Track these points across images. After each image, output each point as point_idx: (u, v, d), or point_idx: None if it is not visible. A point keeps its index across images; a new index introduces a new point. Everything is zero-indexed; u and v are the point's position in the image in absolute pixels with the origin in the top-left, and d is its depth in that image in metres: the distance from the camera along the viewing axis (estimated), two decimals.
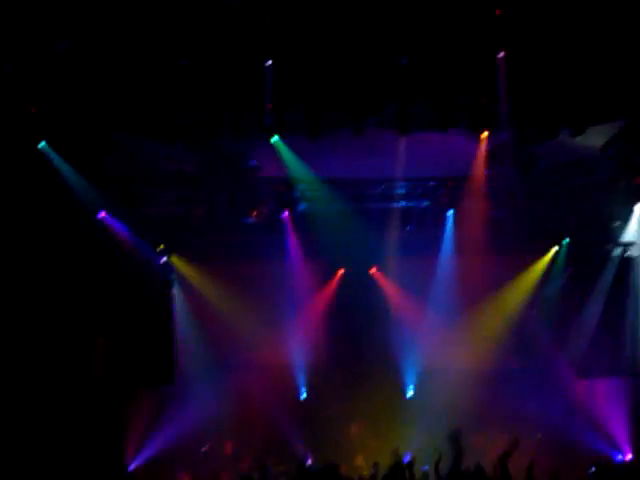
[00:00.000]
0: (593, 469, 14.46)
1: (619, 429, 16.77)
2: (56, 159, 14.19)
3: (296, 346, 18.14)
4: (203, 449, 17.81)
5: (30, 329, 14.58)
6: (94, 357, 16.08)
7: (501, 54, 12.75)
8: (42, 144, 13.94)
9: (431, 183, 17.21)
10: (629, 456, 16.66)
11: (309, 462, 15.93)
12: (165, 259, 17.44)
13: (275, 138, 14.50)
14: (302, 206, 17.30)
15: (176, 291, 17.56)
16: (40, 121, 13.49)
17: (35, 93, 13.14)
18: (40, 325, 14.73)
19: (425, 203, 17.43)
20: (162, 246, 17.31)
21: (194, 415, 17.17)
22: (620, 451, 16.70)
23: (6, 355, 14.32)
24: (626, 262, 16.56)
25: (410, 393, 18.38)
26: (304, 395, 18.65)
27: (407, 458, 13.15)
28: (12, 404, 14.31)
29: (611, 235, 16.71)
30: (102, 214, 15.82)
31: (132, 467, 16.67)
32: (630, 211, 16.46)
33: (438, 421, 16.44)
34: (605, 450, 16.72)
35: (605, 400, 17.07)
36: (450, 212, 17.42)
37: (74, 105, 13.34)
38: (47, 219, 14.61)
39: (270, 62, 13.00)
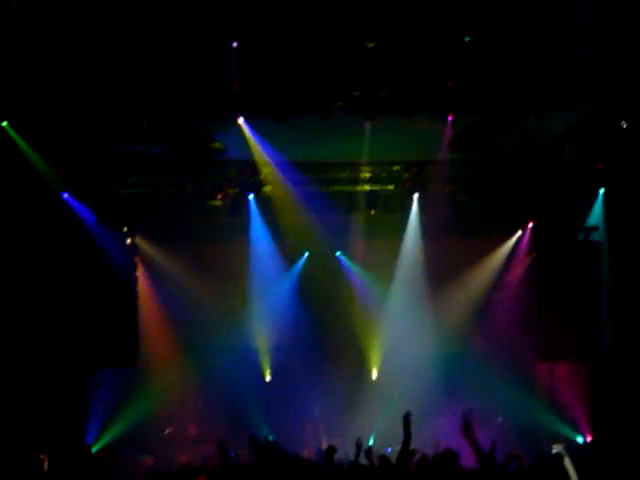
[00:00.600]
0: (555, 449, 14.62)
1: (579, 411, 16.92)
2: (18, 139, 14.05)
3: (261, 328, 18.16)
4: (166, 432, 17.80)
5: None
6: (55, 338, 15.99)
7: (467, 38, 12.75)
8: (4, 123, 13.80)
9: (396, 167, 17.25)
10: (589, 438, 16.83)
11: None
12: (129, 240, 17.34)
13: (241, 120, 14.45)
14: (268, 189, 17.28)
15: (140, 273, 17.47)
16: (1, 100, 13.33)
17: None
18: (1, 305, 14.63)
19: (390, 187, 17.46)
20: (126, 227, 17.21)
21: (157, 397, 17.14)
22: (580, 433, 16.87)
23: None
24: (590, 247, 16.68)
25: (374, 375, 18.46)
26: (269, 377, 18.68)
27: (369, 442, 13.23)
28: None
29: (575, 220, 16.81)
30: (66, 195, 15.70)
31: (95, 449, 16.62)
32: (594, 195, 16.57)
33: (402, 404, 16.53)
34: (566, 432, 16.88)
35: (566, 383, 17.22)
36: (415, 196, 17.46)
37: (37, 84, 13.19)
38: (9, 200, 14.48)
39: (236, 44, 12.92)
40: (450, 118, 14.57)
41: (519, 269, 17.79)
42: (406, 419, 9.58)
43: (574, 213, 16.82)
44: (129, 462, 16.05)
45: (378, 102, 13.62)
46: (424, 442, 15.01)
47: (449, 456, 9.53)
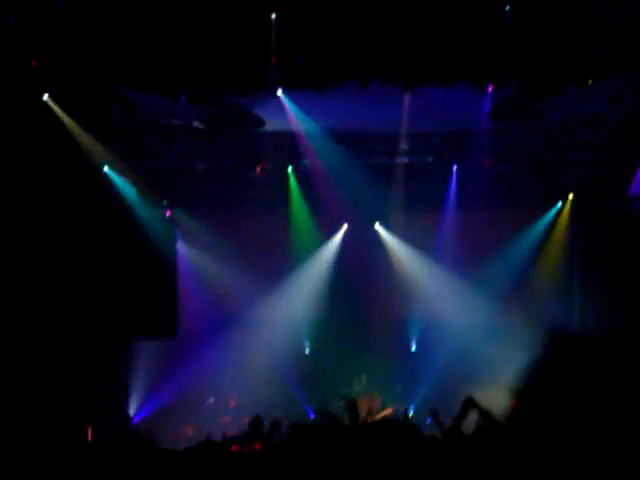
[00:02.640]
0: None
1: None
2: (60, 113, 14.15)
3: (300, 301, 18.19)
4: (207, 403, 17.93)
5: (33, 282, 14.60)
6: (97, 310, 16.12)
7: (507, 7, 12.65)
8: (45, 97, 13.89)
9: (435, 138, 17.18)
10: None
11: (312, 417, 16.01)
12: (169, 213, 17.43)
13: (280, 92, 14.44)
14: (306, 161, 17.28)
15: (180, 245, 17.57)
16: (43, 74, 13.42)
17: (37, 45, 13.07)
18: (44, 278, 14.75)
19: (429, 158, 17.40)
20: (166, 200, 17.30)
21: (198, 370, 17.26)
22: None
23: (8, 308, 14.35)
24: (631, 218, 16.52)
25: (413, 347, 18.47)
26: (308, 350, 18.73)
27: (428, 420, 13.24)
28: (13, 358, 14.36)
29: (617, 190, 16.65)
30: (106, 168, 15.80)
31: (137, 419, 16.80)
32: (636, 166, 16.39)
33: (440, 376, 16.55)
34: None
35: None
36: (454, 167, 17.40)
37: (78, 58, 13.27)
38: (51, 174, 14.58)
39: (275, 15, 12.92)
40: (490, 88, 14.48)
41: (559, 241, 17.67)
42: (434, 416, 9.59)
43: (615, 184, 16.66)
44: (170, 432, 16.18)
45: (418, 72, 13.56)
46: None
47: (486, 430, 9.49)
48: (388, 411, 16.67)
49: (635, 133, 15.66)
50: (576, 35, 12.94)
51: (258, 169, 17.44)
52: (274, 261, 17.79)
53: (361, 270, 18.11)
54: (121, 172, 15.96)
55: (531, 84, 14.05)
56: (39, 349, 14.65)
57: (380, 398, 17.46)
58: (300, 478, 2.02)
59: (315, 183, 17.29)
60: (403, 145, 17.09)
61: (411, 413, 16.61)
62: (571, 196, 17.42)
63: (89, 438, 13.60)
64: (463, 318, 17.34)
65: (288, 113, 15.29)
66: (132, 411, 16.87)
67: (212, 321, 17.99)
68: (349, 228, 18.54)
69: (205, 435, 15.42)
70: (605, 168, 16.49)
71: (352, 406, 10.64)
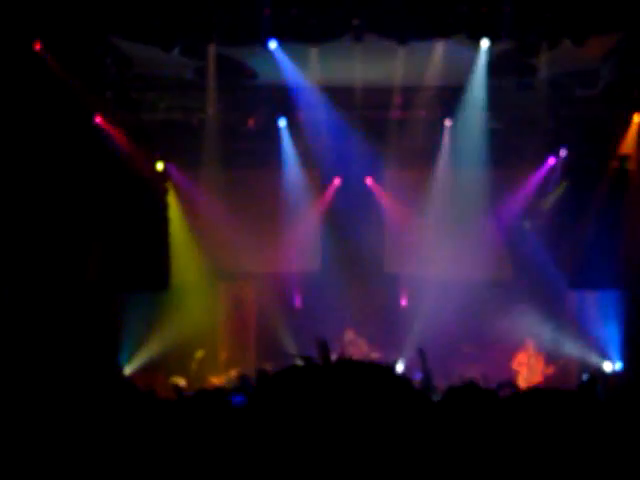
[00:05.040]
0: (586, 376, 14.67)
1: (609, 341, 16.95)
2: (51, 61, 14.04)
3: (291, 254, 18.22)
4: (198, 355, 18.01)
5: (24, 233, 14.57)
6: (89, 262, 16.13)
7: None
8: (38, 47, 13.78)
9: (428, 93, 17.09)
10: (618, 366, 16.88)
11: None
12: (161, 166, 17.38)
13: (273, 43, 14.34)
14: (299, 113, 17.21)
15: (171, 198, 17.54)
16: (36, 23, 13.31)
17: None
18: (35, 228, 14.72)
19: (422, 113, 17.32)
20: (158, 153, 17.24)
21: (188, 321, 17.29)
22: (611, 362, 16.90)
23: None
24: (623, 175, 16.55)
25: (403, 302, 18.54)
26: (298, 303, 18.80)
27: (417, 375, 13.31)
28: (4, 309, 14.37)
29: (609, 147, 16.66)
30: (99, 119, 15.72)
31: (128, 371, 16.87)
32: (628, 123, 16.41)
33: (431, 331, 16.65)
34: (596, 361, 16.92)
35: (596, 312, 17.23)
36: (447, 123, 17.35)
37: (71, 8, 13.15)
38: (44, 122, 14.49)
39: None
40: (484, 43, 14.42)
41: (551, 197, 17.71)
42: (421, 354, 9.63)
43: (608, 141, 16.66)
44: (161, 384, 16.25)
45: (412, 26, 13.48)
46: (452, 372, 15.20)
47: (471, 387, 9.55)
48: (375, 355, 16.76)
49: (629, 89, 15.64)
50: None
51: (250, 122, 17.37)
52: (265, 213, 17.79)
53: (352, 224, 18.10)
54: (113, 124, 15.88)
55: (526, 39, 13.99)
56: (30, 300, 14.66)
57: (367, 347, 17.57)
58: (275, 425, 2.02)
59: (307, 137, 17.23)
60: (396, 99, 17.00)
61: (401, 367, 16.72)
62: (563, 152, 17.40)
63: (83, 389, 13.64)
64: (454, 275, 17.39)
65: (281, 65, 15.20)
66: (123, 363, 16.92)
67: (203, 273, 18.02)
68: (340, 182, 18.53)
69: (197, 388, 15.55)
70: (598, 125, 16.49)
71: (322, 345, 10.67)
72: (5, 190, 14.17)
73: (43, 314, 14.83)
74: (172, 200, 17.51)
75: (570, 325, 17.39)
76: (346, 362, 2.17)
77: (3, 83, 13.52)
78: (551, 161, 17.62)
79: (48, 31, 13.56)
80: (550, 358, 17.21)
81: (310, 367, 2.13)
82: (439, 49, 14.83)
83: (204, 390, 6.63)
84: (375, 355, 16.75)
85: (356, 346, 17.26)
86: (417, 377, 14.09)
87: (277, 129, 17.49)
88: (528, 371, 17.01)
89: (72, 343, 15.09)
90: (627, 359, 16.68)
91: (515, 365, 17.16)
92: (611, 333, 16.85)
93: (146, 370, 16.90)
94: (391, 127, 17.35)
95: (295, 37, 13.85)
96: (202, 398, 5.90)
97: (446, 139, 17.49)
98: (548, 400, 2.52)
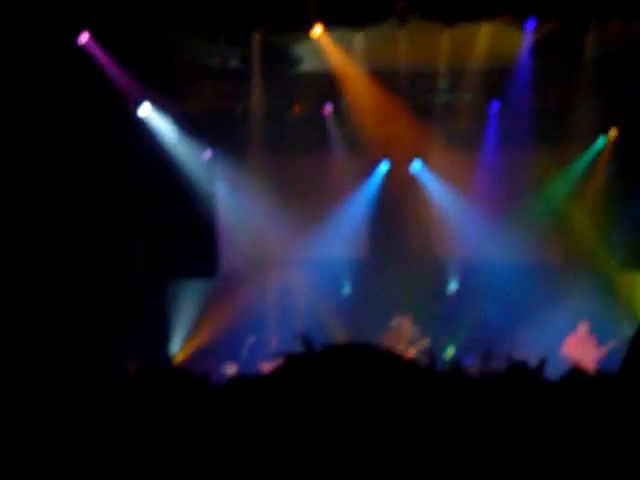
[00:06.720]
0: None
1: None
2: (98, 52, 14.15)
3: (339, 240, 18.19)
4: (248, 342, 18.07)
5: (74, 223, 14.71)
6: (139, 251, 16.26)
7: None
8: (85, 36, 13.90)
9: (474, 75, 16.97)
10: None
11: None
12: (208, 154, 17.44)
13: (317, 30, 14.33)
14: (344, 100, 17.18)
15: (219, 186, 17.60)
16: (82, 13, 13.41)
17: None
18: (84, 219, 14.87)
19: (468, 96, 17.21)
20: (205, 141, 17.30)
21: (239, 309, 17.37)
22: None
23: (52, 247, 14.49)
24: None
25: (453, 287, 18.45)
26: (347, 290, 18.77)
27: (468, 359, 13.28)
28: (56, 296, 14.51)
29: None
30: (145, 108, 15.81)
31: (179, 358, 16.99)
32: None
33: (481, 314, 16.58)
34: None
35: None
36: (494, 105, 17.23)
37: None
38: (89, 114, 14.62)
39: None
40: (531, 23, 14.29)
41: (600, 177, 17.53)
42: (486, 356, 9.59)
43: None
44: (212, 371, 16.35)
45: (458, 7, 13.40)
46: (502, 355, 15.12)
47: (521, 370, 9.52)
48: (425, 342, 16.67)
49: None
50: None
51: (296, 108, 17.37)
52: (312, 200, 17.79)
53: (399, 208, 18.04)
54: (160, 112, 15.97)
55: (573, 19, 13.86)
56: (82, 290, 14.82)
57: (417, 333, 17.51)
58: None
59: (353, 122, 17.20)
60: (442, 83, 16.91)
61: (451, 353, 16.68)
62: (613, 132, 17.21)
63: (130, 378, 13.76)
64: (503, 257, 17.29)
65: (326, 51, 15.18)
66: (174, 350, 17.05)
67: (252, 261, 18.07)
68: (388, 167, 18.45)
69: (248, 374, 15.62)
70: None
71: (305, 340, 10.60)
72: (56, 183, 14.32)
73: (95, 302, 15.00)
74: (220, 187, 17.57)
75: (622, 307, 17.22)
76: (331, 348, 2.13)
77: (50, 76, 13.65)
78: (600, 141, 17.42)
79: (95, 22, 13.65)
80: (602, 340, 17.04)
81: (296, 359, 2.11)
82: (485, 30, 14.72)
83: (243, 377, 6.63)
84: (425, 341, 16.68)
85: (401, 332, 17.18)
86: (468, 361, 14.06)
87: (323, 115, 17.47)
88: (580, 354, 16.87)
89: (124, 333, 15.23)
90: None
91: (567, 348, 17.02)
92: None
93: (197, 357, 17.01)
94: (437, 110, 17.26)
95: (339, 22, 13.83)
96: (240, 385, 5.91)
97: (493, 121, 17.36)
98: (593, 384, 2.48)
